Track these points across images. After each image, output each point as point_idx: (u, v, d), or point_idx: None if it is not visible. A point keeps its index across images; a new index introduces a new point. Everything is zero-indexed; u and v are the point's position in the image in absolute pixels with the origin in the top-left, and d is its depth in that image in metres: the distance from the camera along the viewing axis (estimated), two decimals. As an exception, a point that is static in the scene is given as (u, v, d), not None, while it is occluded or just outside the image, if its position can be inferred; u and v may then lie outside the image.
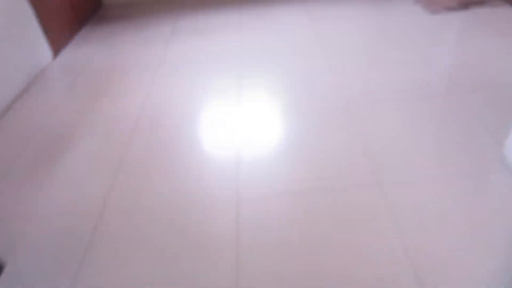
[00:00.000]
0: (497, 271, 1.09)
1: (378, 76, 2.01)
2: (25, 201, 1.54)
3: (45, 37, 2.55)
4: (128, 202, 1.48)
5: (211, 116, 1.89)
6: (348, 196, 1.37)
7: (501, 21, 2.36)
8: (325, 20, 2.68)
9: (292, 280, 1.12)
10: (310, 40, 2.44)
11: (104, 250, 1.29)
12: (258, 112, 1.87)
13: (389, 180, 1.41)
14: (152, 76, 2.29)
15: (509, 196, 1.29)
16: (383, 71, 2.04)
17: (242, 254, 1.21)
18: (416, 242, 1.18)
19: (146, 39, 2.76)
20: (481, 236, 1.18)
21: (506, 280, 1.06)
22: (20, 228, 1.42)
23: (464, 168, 1.43)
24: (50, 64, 2.58)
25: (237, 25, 2.78)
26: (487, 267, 1.09)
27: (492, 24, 2.32)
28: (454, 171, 1.41)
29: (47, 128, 1.97)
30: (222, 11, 3.03)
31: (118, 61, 2.52)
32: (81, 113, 2.05)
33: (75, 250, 1.30)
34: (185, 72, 2.30)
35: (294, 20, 2.73)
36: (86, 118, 2.00)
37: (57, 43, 2.72)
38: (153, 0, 3.41)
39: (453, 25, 2.40)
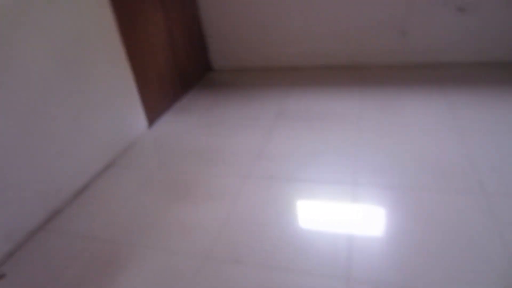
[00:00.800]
0: None
1: None
2: None
3: (142, 104, 2.38)
4: None
5: (309, 255, 1.38)
6: None
7: None
8: (476, 126, 2.02)
9: None
10: (451, 157, 1.80)
11: None
12: (376, 260, 1.29)
13: None
14: (246, 172, 1.90)
15: None
16: None
17: None
18: None
19: (249, 118, 2.42)
20: None
21: None
22: None
23: None
24: (143, 135, 2.39)
25: (355, 115, 2.28)
26: None
27: None
28: None
29: (109, 230, 1.66)
30: (339, 94, 2.57)
31: (213, 143, 2.20)
32: (152, 215, 1.71)
33: None
34: (286, 171, 1.85)
35: (431, 120, 2.13)
36: (156, 225, 1.64)
37: (155, 110, 2.55)
38: (264, 67, 3.14)
39: None
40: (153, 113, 2.52)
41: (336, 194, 1.67)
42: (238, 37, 3.08)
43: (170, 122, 2.53)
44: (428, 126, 2.09)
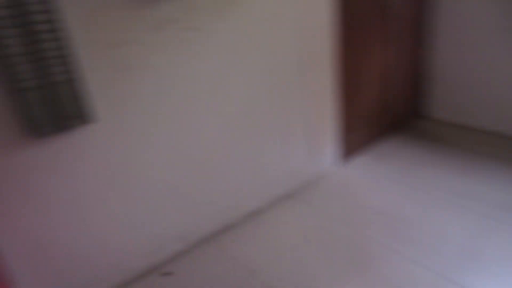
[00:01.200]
0: None
1: None
2: None
3: (339, 140, 2.19)
4: None
5: None
6: None
7: None
8: None
9: None
10: None
11: None
12: None
13: None
14: (448, 273, 1.46)
15: None
16: None
17: None
18: None
19: (463, 195, 1.90)
20: None
21: None
22: None
23: None
24: (332, 173, 2.18)
25: None
26: None
27: None
28: None
29: (267, 274, 1.50)
30: None
31: (411, 212, 1.81)
32: (320, 283, 1.47)
33: None
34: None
35: None
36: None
37: (351, 149, 2.32)
38: (493, 132, 2.50)
39: None
40: (349, 151, 2.30)
41: None
42: (466, 89, 2.54)
43: (364, 167, 2.25)
44: None
